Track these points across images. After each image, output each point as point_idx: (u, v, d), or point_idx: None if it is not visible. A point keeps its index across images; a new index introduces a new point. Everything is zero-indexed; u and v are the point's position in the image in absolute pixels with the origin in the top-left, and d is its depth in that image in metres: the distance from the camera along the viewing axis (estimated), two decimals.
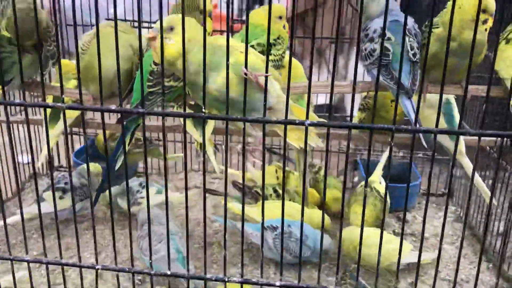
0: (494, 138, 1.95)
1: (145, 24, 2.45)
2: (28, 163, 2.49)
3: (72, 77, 1.89)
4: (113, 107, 1.00)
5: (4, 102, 1.02)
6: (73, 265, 1.14)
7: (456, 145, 1.01)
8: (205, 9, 0.99)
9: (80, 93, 0.98)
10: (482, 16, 1.28)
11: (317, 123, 0.98)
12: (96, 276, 1.14)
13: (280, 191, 2.07)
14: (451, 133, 0.98)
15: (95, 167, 1.99)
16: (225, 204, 1.06)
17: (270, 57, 1.39)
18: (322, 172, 2.23)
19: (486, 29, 1.29)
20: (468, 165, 1.77)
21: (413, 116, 1.26)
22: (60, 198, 1.95)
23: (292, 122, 0.99)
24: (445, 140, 1.80)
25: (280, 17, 1.46)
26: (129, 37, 1.39)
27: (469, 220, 2.17)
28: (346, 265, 1.78)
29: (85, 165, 1.96)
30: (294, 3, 2.10)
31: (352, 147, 2.48)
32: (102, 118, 1.00)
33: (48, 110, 1.68)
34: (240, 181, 2.20)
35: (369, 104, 1.90)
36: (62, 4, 2.28)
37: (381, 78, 1.31)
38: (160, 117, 0.99)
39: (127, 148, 1.39)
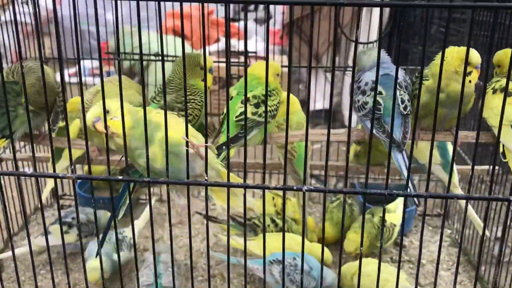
0: (486, 167, 2.02)
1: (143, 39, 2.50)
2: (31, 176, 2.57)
3: (76, 116, 1.95)
4: (120, 177, 1.05)
5: (15, 173, 1.08)
6: None
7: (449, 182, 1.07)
8: (205, 66, 1.05)
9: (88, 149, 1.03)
10: (469, 68, 1.34)
11: (314, 189, 1.04)
12: None
13: (278, 220, 2.12)
14: (441, 197, 1.04)
15: (104, 213, 2.09)
16: (228, 241, 1.12)
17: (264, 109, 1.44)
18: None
19: (470, 81, 1.35)
20: (468, 207, 1.82)
21: (405, 172, 1.31)
22: (65, 232, 2.01)
23: (290, 188, 1.04)
24: (440, 173, 1.86)
25: (278, 74, 1.53)
26: (128, 94, 1.45)
27: (464, 246, 2.23)
28: None
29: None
30: (291, 11, 2.16)
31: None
32: (111, 188, 1.05)
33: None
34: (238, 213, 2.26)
35: (364, 138, 1.96)
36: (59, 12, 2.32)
37: (374, 130, 1.36)
38: None
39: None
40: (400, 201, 2.22)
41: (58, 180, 2.63)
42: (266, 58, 1.03)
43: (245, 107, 1.03)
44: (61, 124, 1.87)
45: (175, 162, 1.14)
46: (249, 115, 1.44)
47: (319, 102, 3.84)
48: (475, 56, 1.33)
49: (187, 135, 1.05)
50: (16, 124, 1.46)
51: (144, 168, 1.15)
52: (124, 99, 1.02)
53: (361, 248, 1.06)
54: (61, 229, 1.12)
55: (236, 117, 1.45)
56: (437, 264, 1.11)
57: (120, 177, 1.04)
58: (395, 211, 2.20)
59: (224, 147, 1.41)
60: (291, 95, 1.88)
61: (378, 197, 2.39)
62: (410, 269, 2.09)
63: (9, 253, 1.98)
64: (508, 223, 1.05)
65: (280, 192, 2.36)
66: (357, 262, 1.90)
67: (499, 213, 1.94)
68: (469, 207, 1.82)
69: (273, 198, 2.35)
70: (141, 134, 1.07)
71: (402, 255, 2.21)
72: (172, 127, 1.06)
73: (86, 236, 2.06)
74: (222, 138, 1.47)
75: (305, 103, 4.35)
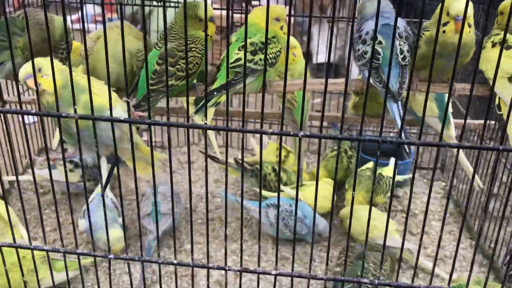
0: (482, 121, 2.04)
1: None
2: (34, 122, 2.64)
3: (80, 61, 1.97)
4: (122, 117, 1.08)
5: (19, 112, 1.11)
6: (88, 254, 1.25)
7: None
8: (206, 17, 1.05)
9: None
10: (447, 18, 1.34)
11: (310, 135, 1.07)
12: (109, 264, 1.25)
13: (282, 173, 2.17)
14: (432, 145, 1.07)
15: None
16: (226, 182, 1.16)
17: (262, 56, 1.43)
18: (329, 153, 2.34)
19: (444, 31, 1.34)
20: (460, 154, 1.86)
21: (399, 122, 1.34)
22: (70, 170, 2.06)
23: (287, 134, 1.08)
24: (437, 126, 1.89)
25: (278, 19, 1.50)
26: (127, 40, 1.47)
27: (457, 197, 2.29)
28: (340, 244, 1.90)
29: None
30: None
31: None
32: (113, 129, 1.08)
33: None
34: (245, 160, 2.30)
35: (363, 89, 1.98)
36: None
37: (371, 80, 1.38)
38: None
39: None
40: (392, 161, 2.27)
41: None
42: (267, 5, 1.03)
43: (245, 53, 1.04)
44: None
45: (102, 125, 1.23)
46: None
47: (322, 54, 3.82)
48: (454, 6, 1.31)
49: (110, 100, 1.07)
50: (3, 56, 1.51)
51: (69, 127, 1.23)
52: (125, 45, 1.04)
53: (353, 192, 1.10)
54: (65, 166, 1.16)
55: (231, 63, 1.46)
56: (426, 211, 1.15)
57: (122, 118, 1.07)
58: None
59: (215, 92, 1.43)
60: (294, 41, 1.88)
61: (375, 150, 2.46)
62: (403, 219, 2.16)
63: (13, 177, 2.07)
64: (497, 172, 1.09)
65: (285, 145, 2.40)
66: (355, 206, 1.98)
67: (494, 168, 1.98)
68: (463, 157, 1.86)
69: (277, 148, 2.40)
70: (68, 94, 1.10)
71: (396, 205, 2.28)
72: (96, 92, 1.12)
73: (89, 180, 2.12)
74: (216, 84, 1.48)
75: (308, 55, 4.32)
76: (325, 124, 2.55)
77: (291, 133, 1.07)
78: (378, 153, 1.09)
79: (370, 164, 2.22)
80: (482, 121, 2.02)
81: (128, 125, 1.08)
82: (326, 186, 2.07)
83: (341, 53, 3.93)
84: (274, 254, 1.91)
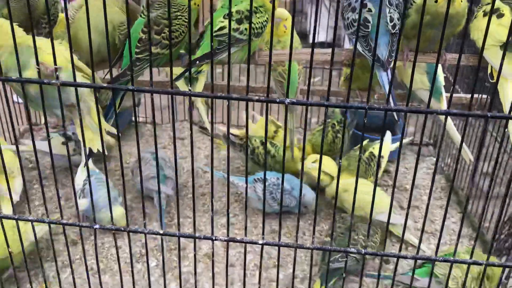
0: (476, 95, 2.03)
1: None
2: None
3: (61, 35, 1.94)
4: (104, 84, 1.06)
5: (2, 79, 1.08)
6: (73, 224, 1.23)
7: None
8: None
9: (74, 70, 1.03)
10: None
11: (296, 102, 1.05)
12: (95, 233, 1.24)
13: (269, 146, 2.15)
14: (420, 112, 1.05)
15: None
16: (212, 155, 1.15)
17: (247, 26, 1.40)
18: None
19: (436, 1, 1.31)
20: (449, 124, 1.85)
21: (387, 88, 1.31)
22: (62, 143, 2.04)
23: (273, 101, 1.06)
24: (427, 98, 1.87)
25: None
26: (109, 11, 1.43)
27: (449, 173, 2.29)
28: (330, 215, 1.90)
29: None
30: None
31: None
32: (96, 96, 1.06)
33: None
34: (233, 133, 2.30)
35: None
36: None
37: (360, 48, 1.35)
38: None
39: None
40: (388, 136, 2.25)
41: None
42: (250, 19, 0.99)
43: (229, 22, 1.01)
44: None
45: (50, 89, 1.18)
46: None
47: (320, 34, 3.78)
48: None
49: (55, 61, 1.02)
50: None
51: (20, 92, 1.20)
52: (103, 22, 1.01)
53: (340, 161, 1.09)
54: (48, 135, 1.14)
55: (215, 31, 1.42)
56: (412, 184, 1.14)
57: (105, 85, 1.05)
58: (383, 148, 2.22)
59: (198, 61, 1.40)
60: (286, 12, 1.85)
61: (368, 126, 2.45)
62: (395, 193, 2.15)
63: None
64: (490, 143, 1.07)
65: (278, 122, 2.38)
66: (346, 180, 1.97)
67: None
68: (451, 125, 1.85)
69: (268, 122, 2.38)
70: (22, 57, 1.06)
71: (387, 180, 2.28)
72: (48, 52, 1.07)
73: (80, 154, 2.10)
74: (199, 53, 1.44)
75: (306, 35, 4.27)
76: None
77: (277, 99, 1.05)
78: (365, 120, 1.07)
79: (366, 144, 2.19)
80: (475, 95, 2.01)
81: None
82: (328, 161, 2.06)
83: (337, 33, 3.89)
84: (266, 228, 1.91)
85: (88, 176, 1.20)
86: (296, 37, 1.86)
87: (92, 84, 1.05)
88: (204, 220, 1.93)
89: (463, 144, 1.82)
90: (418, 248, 1.20)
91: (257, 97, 1.06)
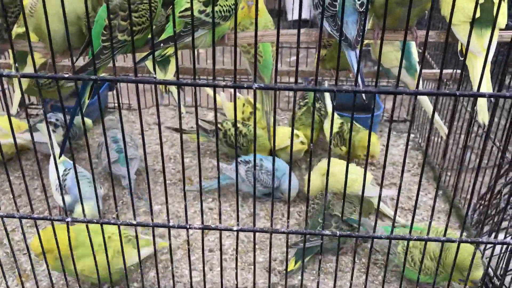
0: (450, 71, 2.03)
1: None
2: None
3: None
4: (66, 74, 1.03)
5: None
6: (45, 218, 1.21)
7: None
8: None
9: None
10: None
11: (264, 87, 1.03)
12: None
13: (241, 127, 2.14)
14: (389, 93, 1.04)
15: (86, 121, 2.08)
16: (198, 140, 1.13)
17: (216, 8, 1.37)
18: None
19: None
20: (424, 100, 1.85)
21: (355, 68, 1.30)
22: (52, 131, 2.02)
23: (240, 86, 1.04)
24: (403, 76, 1.87)
25: None
26: (72, 1, 1.39)
27: (424, 149, 2.30)
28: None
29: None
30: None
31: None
32: (58, 86, 1.03)
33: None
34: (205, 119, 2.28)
35: (330, 41, 1.94)
36: None
37: (328, 28, 1.33)
38: (125, 59, 1.03)
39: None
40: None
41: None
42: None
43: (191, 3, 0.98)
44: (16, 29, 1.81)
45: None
46: (195, 13, 1.35)
47: (303, 11, 3.74)
48: None
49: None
50: None
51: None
52: (68, 11, 0.97)
53: (312, 144, 1.08)
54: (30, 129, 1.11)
55: (180, 12, 1.37)
56: (385, 159, 1.14)
57: (66, 75, 1.02)
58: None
59: (162, 44, 1.36)
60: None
61: (346, 103, 2.45)
62: (372, 171, 2.17)
63: None
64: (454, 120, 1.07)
65: (252, 101, 2.36)
66: (324, 162, 1.98)
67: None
68: (426, 101, 1.86)
69: (244, 105, 2.36)
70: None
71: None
72: None
73: (73, 137, 2.10)
74: (163, 35, 1.40)
75: (282, 13, 4.21)
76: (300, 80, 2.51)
77: (245, 85, 1.03)
78: (334, 103, 1.06)
79: (343, 119, 2.20)
80: (449, 71, 2.01)
81: None
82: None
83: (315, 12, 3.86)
84: (246, 212, 1.91)
85: (58, 172, 1.17)
86: (268, 16, 1.83)
87: (54, 75, 1.02)
88: (183, 207, 1.92)
89: (438, 118, 1.83)
90: (392, 227, 1.20)
91: (224, 83, 1.04)
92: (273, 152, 1.10)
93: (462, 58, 1.37)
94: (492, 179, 1.69)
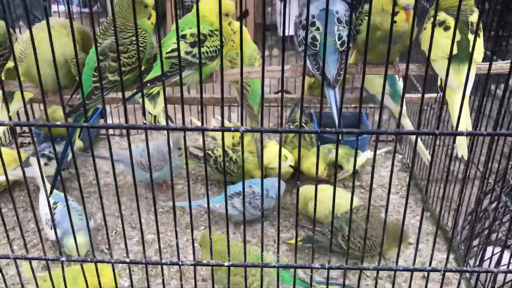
0: (434, 95, 2.08)
1: None
2: None
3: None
4: (59, 122, 1.06)
5: None
6: (39, 258, 1.24)
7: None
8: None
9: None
10: (396, 8, 1.35)
11: (251, 129, 1.07)
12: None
13: (230, 152, 2.18)
14: (372, 133, 1.08)
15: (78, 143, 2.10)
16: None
17: (202, 49, 1.42)
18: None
19: (395, 21, 1.35)
20: (409, 125, 1.90)
21: (334, 109, 1.33)
22: (46, 164, 2.03)
23: (228, 129, 1.08)
24: (388, 103, 1.92)
25: (227, 14, 1.47)
26: (60, 43, 1.42)
27: (414, 170, 2.34)
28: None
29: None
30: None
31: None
32: (50, 133, 1.06)
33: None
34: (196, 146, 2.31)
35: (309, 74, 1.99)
36: None
37: (310, 66, 1.38)
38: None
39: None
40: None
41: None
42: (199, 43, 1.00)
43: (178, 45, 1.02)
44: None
45: None
46: (182, 54, 1.40)
47: (291, 27, 3.79)
48: None
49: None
50: None
51: None
52: (57, 53, 1.01)
53: (298, 175, 1.12)
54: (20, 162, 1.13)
55: (167, 53, 1.41)
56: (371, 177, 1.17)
57: (59, 123, 1.05)
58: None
59: (149, 84, 1.39)
60: (236, 25, 1.86)
61: (330, 124, 2.49)
62: (361, 194, 2.21)
63: None
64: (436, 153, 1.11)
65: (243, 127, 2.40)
66: (312, 187, 2.02)
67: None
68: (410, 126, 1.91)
69: (232, 134, 2.41)
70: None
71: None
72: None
73: (64, 169, 2.10)
74: (150, 75, 1.43)
75: (274, 27, 4.25)
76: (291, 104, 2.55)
77: (232, 128, 1.07)
78: (319, 144, 1.10)
79: (330, 146, 2.25)
80: (433, 95, 2.06)
81: None
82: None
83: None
84: (238, 239, 1.93)
85: (50, 206, 1.19)
86: (252, 45, 1.87)
87: (47, 123, 1.06)
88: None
89: (421, 145, 1.88)
90: (380, 259, 1.24)
91: (212, 127, 1.08)
92: (261, 188, 1.13)
93: (442, 93, 1.43)
94: (477, 201, 1.74)
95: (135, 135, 2.72)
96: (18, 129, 2.68)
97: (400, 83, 1.92)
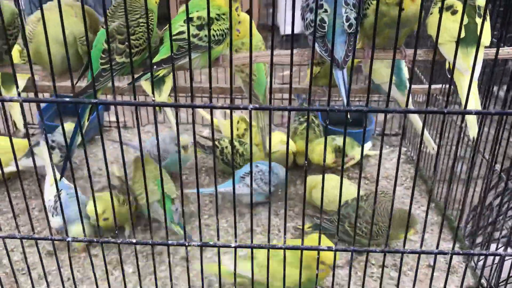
0: (440, 86, 2.08)
1: None
2: None
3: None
4: (67, 99, 1.06)
5: None
6: (45, 238, 1.24)
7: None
8: None
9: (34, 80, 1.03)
10: None
11: (259, 107, 1.07)
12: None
13: (237, 144, 2.17)
14: (380, 111, 1.08)
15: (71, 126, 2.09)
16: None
17: (207, 32, 1.41)
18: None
19: (403, 9, 1.34)
20: (413, 116, 1.90)
21: (343, 90, 1.33)
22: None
23: (237, 107, 1.07)
24: (394, 92, 1.91)
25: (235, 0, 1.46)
26: (69, 23, 1.42)
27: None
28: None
29: (65, 125, 2.09)
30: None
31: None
32: (59, 110, 1.06)
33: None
34: (203, 135, 2.31)
35: (323, 59, 1.99)
36: None
37: (318, 49, 1.37)
38: (122, 80, 1.06)
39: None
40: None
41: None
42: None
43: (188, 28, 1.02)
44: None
45: None
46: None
47: (290, 25, 3.80)
48: None
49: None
50: None
51: None
52: (66, 29, 1.01)
53: (306, 162, 1.11)
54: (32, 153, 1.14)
55: (174, 35, 1.40)
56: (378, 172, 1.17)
57: (68, 99, 1.05)
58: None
59: (155, 66, 1.39)
60: (242, 16, 1.86)
61: (338, 118, 2.49)
62: (365, 185, 2.20)
63: None
64: (444, 134, 1.11)
65: (246, 118, 2.40)
66: (316, 176, 2.02)
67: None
68: (415, 116, 1.90)
69: (238, 122, 2.40)
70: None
71: (358, 171, 2.32)
72: None
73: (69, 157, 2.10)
74: (156, 57, 1.43)
75: (277, 28, 4.26)
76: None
77: (241, 105, 1.07)
78: (328, 122, 1.10)
79: (336, 138, 2.25)
80: (439, 86, 2.06)
81: None
82: None
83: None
84: (243, 228, 1.93)
85: (59, 196, 1.19)
86: (258, 35, 1.88)
87: (55, 99, 1.05)
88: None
89: (427, 133, 1.87)
90: (386, 242, 1.23)
91: (220, 105, 1.08)
92: (269, 175, 1.13)
93: (450, 76, 1.42)
94: (483, 191, 1.73)
95: (146, 125, 2.72)
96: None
97: (405, 72, 1.92)
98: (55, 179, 1.18)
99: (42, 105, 2.60)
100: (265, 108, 1.07)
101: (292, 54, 1.06)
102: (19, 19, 1.51)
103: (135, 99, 1.08)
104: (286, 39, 4.13)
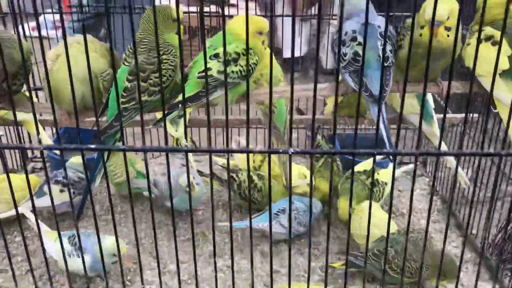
0: (463, 115, 2.01)
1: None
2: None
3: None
4: (92, 146, 0.99)
5: None
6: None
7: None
8: (178, 18, 0.98)
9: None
10: (423, 22, 1.31)
11: (300, 151, 0.99)
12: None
13: (255, 177, 2.08)
14: (432, 155, 1.00)
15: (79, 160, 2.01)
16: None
17: (234, 68, 1.36)
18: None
19: (420, 34, 1.30)
20: (443, 147, 1.82)
21: (383, 128, 1.26)
22: (61, 191, 1.94)
23: (276, 151, 1.00)
24: (417, 121, 1.84)
25: (260, 33, 1.42)
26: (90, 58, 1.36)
27: (443, 194, 2.25)
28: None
29: (74, 159, 2.03)
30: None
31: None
32: (83, 157, 0.99)
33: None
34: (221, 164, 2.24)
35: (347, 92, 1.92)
36: None
37: (352, 84, 1.31)
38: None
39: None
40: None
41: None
42: (246, 13, 0.93)
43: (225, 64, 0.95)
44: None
45: None
46: (214, 73, 1.35)
47: (290, 50, 3.75)
48: (428, 11, 1.28)
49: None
50: None
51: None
52: (85, 70, 0.94)
53: (351, 209, 1.03)
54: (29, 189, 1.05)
55: (199, 72, 1.36)
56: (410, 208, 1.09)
57: (93, 146, 0.97)
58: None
59: (180, 105, 1.33)
60: (266, 24, 1.79)
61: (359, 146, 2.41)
62: (393, 219, 2.10)
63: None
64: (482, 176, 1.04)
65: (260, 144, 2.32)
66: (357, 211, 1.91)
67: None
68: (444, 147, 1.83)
69: (253, 154, 2.31)
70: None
71: (383, 204, 2.23)
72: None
73: (80, 194, 2.00)
74: (181, 96, 1.37)
75: (278, 51, 4.24)
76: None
77: (280, 150, 0.99)
78: (372, 165, 1.02)
79: (365, 166, 2.13)
80: (463, 115, 1.99)
81: None
82: None
83: (308, 48, 3.93)
84: (266, 269, 1.83)
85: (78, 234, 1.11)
86: (277, 67, 1.82)
87: (79, 146, 0.98)
88: (200, 264, 1.84)
89: (460, 170, 1.79)
90: (419, 280, 1.15)
91: (258, 148, 1.00)
92: (289, 201, 1.05)
93: (495, 110, 1.35)
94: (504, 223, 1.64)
95: (151, 159, 2.63)
96: (29, 153, 2.61)
97: (431, 103, 1.85)
98: (59, 232, 1.09)
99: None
100: (306, 152, 1.00)
101: (315, 90, 0.99)
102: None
103: (166, 144, 1.00)
104: (287, 62, 4.10)
